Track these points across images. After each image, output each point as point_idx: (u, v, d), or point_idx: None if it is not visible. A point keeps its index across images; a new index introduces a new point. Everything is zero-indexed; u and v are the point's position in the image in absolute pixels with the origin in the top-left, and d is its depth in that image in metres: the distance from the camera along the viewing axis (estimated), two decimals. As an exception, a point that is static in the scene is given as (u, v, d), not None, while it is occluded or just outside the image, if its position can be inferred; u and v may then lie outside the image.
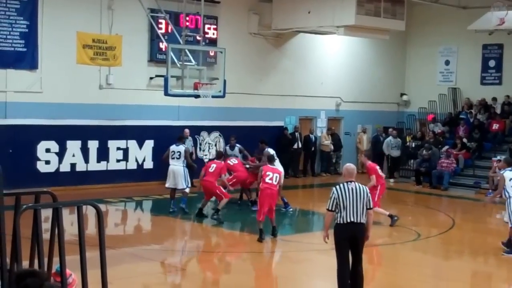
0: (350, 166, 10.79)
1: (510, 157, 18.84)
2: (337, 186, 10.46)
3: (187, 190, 19.10)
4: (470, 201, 24.13)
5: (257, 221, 15.81)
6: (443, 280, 13.25)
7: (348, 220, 10.26)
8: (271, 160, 17.06)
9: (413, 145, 29.44)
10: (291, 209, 19.84)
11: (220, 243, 16.88)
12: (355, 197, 10.29)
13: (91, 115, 22.58)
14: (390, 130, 29.69)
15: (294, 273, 13.73)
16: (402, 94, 32.69)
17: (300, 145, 28.15)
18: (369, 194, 10.47)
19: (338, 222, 10.38)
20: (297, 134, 28.11)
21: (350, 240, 10.39)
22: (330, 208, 10.42)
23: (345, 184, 10.42)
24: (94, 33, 22.22)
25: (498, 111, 29.50)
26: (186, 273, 13.60)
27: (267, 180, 15.84)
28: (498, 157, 25.57)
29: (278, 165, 18.97)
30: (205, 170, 18.50)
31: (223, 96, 20.72)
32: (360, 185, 10.48)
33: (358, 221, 10.29)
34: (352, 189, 10.33)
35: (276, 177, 15.88)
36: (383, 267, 14.62)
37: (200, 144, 25.36)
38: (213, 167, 18.39)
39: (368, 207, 10.42)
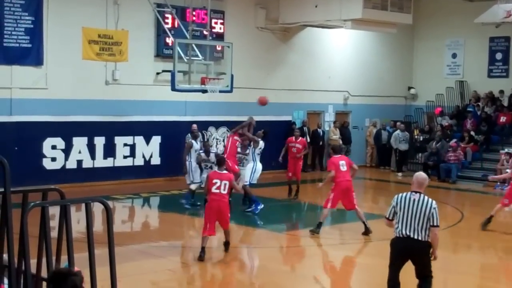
0: (421, 175, 9.79)
1: None
2: (399, 194, 9.60)
3: (192, 186, 18.86)
4: (478, 194, 24.07)
5: (202, 237, 13.46)
6: (452, 273, 13.16)
7: (404, 234, 9.34)
8: (220, 163, 14.18)
9: (421, 139, 29.39)
10: (261, 206, 18.38)
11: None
12: (415, 209, 9.31)
13: (97, 111, 22.51)
14: (398, 123, 29.65)
15: (301, 268, 13.67)
16: (409, 88, 32.63)
17: (308, 140, 28.05)
18: (432, 210, 9.30)
19: (395, 235, 9.53)
20: (305, 128, 28.03)
21: (405, 256, 9.55)
22: (387, 216, 9.65)
23: (408, 193, 9.50)
24: (100, 29, 22.18)
25: (505, 103, 29.48)
26: (194, 270, 13.54)
27: (213, 189, 13.39)
28: (506, 150, 25.53)
29: (258, 163, 18.75)
30: (335, 169, 15.80)
31: (230, 91, 20.67)
32: (427, 198, 9.43)
33: (415, 237, 9.29)
34: (414, 200, 9.38)
35: (225, 184, 13.43)
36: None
37: (208, 140, 25.26)
38: (343, 164, 15.83)
39: (432, 224, 9.28)
